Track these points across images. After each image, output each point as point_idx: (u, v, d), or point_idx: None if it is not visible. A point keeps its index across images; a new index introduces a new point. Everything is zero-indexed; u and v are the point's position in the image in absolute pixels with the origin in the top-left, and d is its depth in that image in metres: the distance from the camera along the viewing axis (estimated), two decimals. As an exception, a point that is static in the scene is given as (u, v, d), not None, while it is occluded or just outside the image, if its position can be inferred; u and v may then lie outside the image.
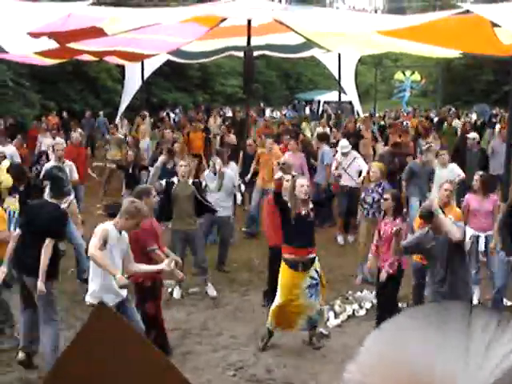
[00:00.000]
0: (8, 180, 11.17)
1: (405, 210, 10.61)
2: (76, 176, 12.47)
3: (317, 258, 8.01)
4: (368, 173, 11.48)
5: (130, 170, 14.10)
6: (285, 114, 39.55)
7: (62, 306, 9.61)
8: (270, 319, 8.12)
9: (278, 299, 8.02)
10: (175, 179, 10.26)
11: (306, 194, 7.86)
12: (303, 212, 7.87)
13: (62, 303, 9.67)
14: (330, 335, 8.57)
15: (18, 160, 14.94)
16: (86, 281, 8.61)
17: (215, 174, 11.21)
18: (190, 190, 10.01)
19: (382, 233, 8.47)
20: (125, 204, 6.88)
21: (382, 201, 8.90)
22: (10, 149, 15.09)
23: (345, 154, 13.22)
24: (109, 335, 1.30)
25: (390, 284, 8.29)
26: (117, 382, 1.31)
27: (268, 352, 8.09)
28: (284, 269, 7.97)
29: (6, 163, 12.32)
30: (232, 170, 12.14)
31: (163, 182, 10.32)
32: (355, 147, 15.15)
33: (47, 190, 8.73)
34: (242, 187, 14.10)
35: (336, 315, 9.23)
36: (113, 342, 1.30)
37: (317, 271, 7.97)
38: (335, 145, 15.20)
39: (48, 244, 7.24)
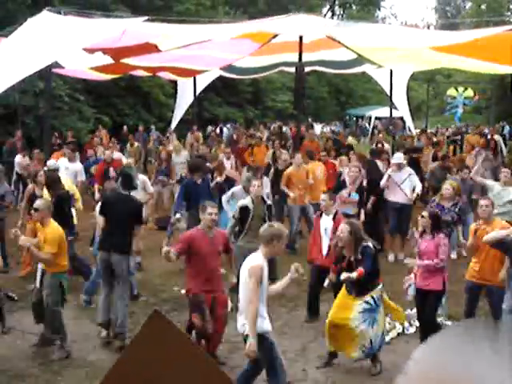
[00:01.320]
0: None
1: None
2: (151, 189, 12.84)
3: (379, 287, 7.90)
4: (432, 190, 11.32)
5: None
6: (333, 131, 39.43)
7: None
8: (326, 336, 8.07)
9: (329, 314, 8.01)
10: (249, 201, 10.32)
11: (340, 240, 7.88)
12: (352, 257, 7.82)
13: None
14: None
15: (82, 178, 15.27)
16: None
17: (245, 189, 11.19)
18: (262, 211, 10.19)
19: (421, 250, 8.43)
20: (268, 230, 6.69)
21: (419, 218, 8.83)
22: (78, 166, 15.37)
23: (398, 168, 13.09)
24: (163, 341, 1.34)
25: (432, 299, 8.23)
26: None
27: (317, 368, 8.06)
28: (343, 288, 7.97)
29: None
30: (264, 185, 12.15)
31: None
32: (413, 163, 15.07)
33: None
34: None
35: (385, 333, 9.14)
36: (166, 348, 1.34)
37: (373, 298, 7.85)
38: (388, 160, 15.12)
39: (140, 229, 8.74)
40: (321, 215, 9.85)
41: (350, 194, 12.58)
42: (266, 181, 13.14)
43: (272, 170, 15.09)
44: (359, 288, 7.80)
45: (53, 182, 11.34)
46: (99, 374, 7.64)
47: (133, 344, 1.21)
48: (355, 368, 8.10)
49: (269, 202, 10.62)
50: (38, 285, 8.74)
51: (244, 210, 10.31)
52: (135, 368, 1.23)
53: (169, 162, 16.74)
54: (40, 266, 8.76)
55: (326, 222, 9.63)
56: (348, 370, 8.06)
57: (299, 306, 10.41)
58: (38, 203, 8.62)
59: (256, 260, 6.50)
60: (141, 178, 12.89)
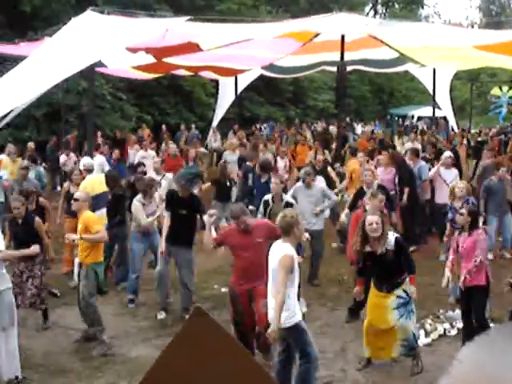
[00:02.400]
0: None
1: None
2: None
3: (407, 279, 7.79)
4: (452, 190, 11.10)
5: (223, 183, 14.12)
6: (372, 130, 39.19)
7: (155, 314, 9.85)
8: (364, 341, 8.00)
9: (366, 320, 7.95)
10: (270, 197, 10.39)
11: (374, 231, 7.55)
12: (379, 251, 7.66)
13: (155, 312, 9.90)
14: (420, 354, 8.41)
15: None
16: None
17: (306, 187, 11.19)
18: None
19: (460, 248, 8.31)
20: (284, 221, 6.73)
21: (457, 216, 8.71)
22: (99, 159, 15.45)
23: (447, 166, 12.95)
24: (205, 338, 1.33)
25: (478, 296, 8.11)
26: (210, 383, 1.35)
27: (356, 367, 8.01)
28: (372, 287, 7.89)
29: (89, 177, 12.55)
30: (320, 183, 12.11)
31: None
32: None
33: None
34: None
35: (427, 334, 9.04)
36: (208, 346, 1.34)
37: (405, 291, 7.76)
38: (429, 160, 14.94)
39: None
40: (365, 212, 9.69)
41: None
42: (321, 178, 13.05)
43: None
44: (390, 284, 7.70)
45: (111, 180, 11.47)
46: (139, 370, 7.70)
47: (174, 341, 1.21)
48: (396, 368, 8.03)
49: (290, 200, 10.52)
50: (77, 279, 8.85)
51: (265, 204, 10.44)
52: (177, 365, 1.23)
53: (195, 161, 16.68)
54: (77, 259, 8.87)
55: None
56: (388, 370, 7.99)
57: (339, 305, 10.36)
58: (78, 194, 8.76)
59: (286, 250, 6.57)
60: (167, 176, 13.06)
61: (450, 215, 10.66)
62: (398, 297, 7.68)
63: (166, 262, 9.86)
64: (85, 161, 13.16)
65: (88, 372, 7.98)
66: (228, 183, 13.83)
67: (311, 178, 11.17)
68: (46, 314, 9.42)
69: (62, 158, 18.46)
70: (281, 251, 6.57)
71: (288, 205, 10.03)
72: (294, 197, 10.89)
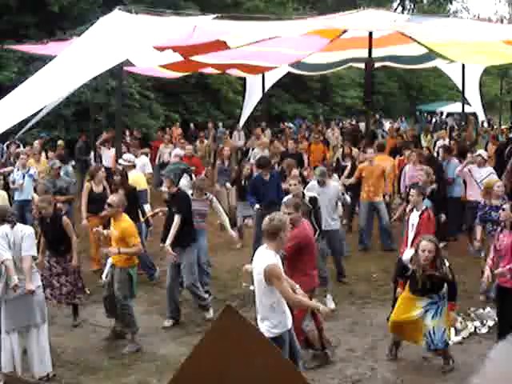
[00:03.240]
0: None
1: None
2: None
3: (444, 288, 7.70)
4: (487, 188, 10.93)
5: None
6: (398, 128, 38.83)
7: (183, 312, 9.89)
8: (391, 331, 7.99)
9: (393, 314, 7.89)
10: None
11: (426, 260, 7.47)
12: (428, 273, 7.58)
13: (183, 310, 9.95)
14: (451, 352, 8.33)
15: (149, 170, 15.47)
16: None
17: (321, 186, 11.14)
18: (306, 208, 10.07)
19: (498, 245, 8.18)
20: (270, 224, 6.27)
21: (500, 211, 8.61)
22: (144, 159, 15.57)
23: (479, 164, 12.81)
24: (235, 336, 1.32)
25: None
26: (241, 381, 1.34)
27: (385, 366, 7.97)
28: (406, 289, 7.84)
29: (135, 173, 12.73)
30: (335, 181, 12.07)
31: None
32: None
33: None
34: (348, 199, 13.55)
35: (457, 332, 8.96)
36: (239, 344, 1.33)
37: (438, 295, 7.66)
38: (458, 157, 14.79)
39: None
40: (412, 210, 9.62)
41: None
42: (336, 177, 13.03)
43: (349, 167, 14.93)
44: (426, 292, 7.64)
45: (125, 177, 11.55)
46: (168, 367, 7.75)
47: (205, 339, 1.21)
48: (425, 367, 7.97)
49: (312, 195, 10.46)
50: (107, 279, 8.89)
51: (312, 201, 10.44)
52: (207, 363, 1.23)
53: (230, 159, 16.55)
54: (109, 260, 8.91)
55: (413, 217, 9.42)
56: (417, 369, 7.94)
57: (369, 303, 10.32)
58: (112, 199, 8.77)
59: (269, 259, 6.11)
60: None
61: (480, 213, 10.52)
62: (430, 297, 7.62)
63: (175, 273, 9.71)
64: (128, 157, 13.29)
65: (117, 369, 8.02)
66: (246, 183, 13.59)
67: (325, 178, 11.11)
68: (77, 311, 9.50)
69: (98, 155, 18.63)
70: (264, 261, 6.12)
71: (312, 200, 10.05)
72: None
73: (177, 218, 9.49)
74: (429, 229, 9.02)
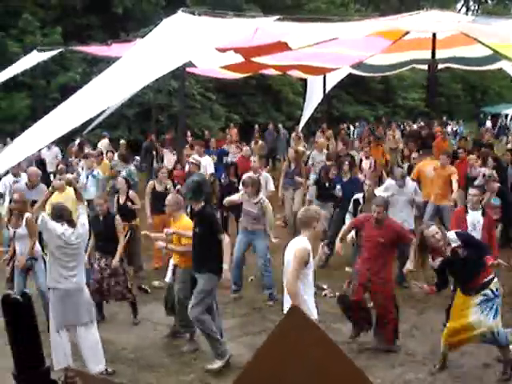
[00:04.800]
0: None
1: None
2: (272, 187, 12.87)
3: (495, 279, 7.53)
4: None
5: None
6: (456, 130, 38.14)
7: (242, 312, 9.92)
8: (442, 341, 7.81)
9: (450, 321, 7.74)
10: (360, 196, 10.45)
11: (438, 242, 7.39)
12: (447, 253, 7.44)
13: (242, 310, 9.98)
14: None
15: (211, 170, 15.59)
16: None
17: (400, 186, 11.07)
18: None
19: None
20: (305, 214, 6.73)
21: None
22: (206, 160, 15.70)
23: None
24: (301, 338, 1.32)
25: None
26: None
27: (446, 372, 7.83)
28: (458, 292, 7.68)
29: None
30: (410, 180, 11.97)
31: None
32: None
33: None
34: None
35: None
36: (304, 345, 1.32)
37: (491, 290, 7.46)
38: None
39: None
40: (466, 211, 9.46)
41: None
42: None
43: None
44: (476, 286, 7.45)
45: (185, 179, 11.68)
46: (227, 367, 7.79)
47: (270, 339, 1.21)
48: (486, 374, 7.81)
49: (382, 193, 10.43)
50: (170, 279, 8.95)
51: (356, 203, 10.68)
52: (272, 364, 1.23)
53: (298, 161, 16.32)
54: (172, 260, 8.97)
55: (474, 218, 9.25)
56: (478, 375, 7.77)
57: (429, 307, 10.17)
58: (167, 198, 8.84)
59: (302, 243, 6.52)
60: (264, 175, 13.02)
61: None
62: (484, 295, 7.42)
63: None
64: (195, 157, 13.71)
65: (176, 367, 8.09)
66: (328, 184, 13.43)
67: (405, 179, 11.19)
68: (136, 310, 9.60)
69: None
70: (297, 244, 6.54)
71: (355, 202, 10.13)
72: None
73: (226, 239, 8.19)
74: (492, 227, 9.04)
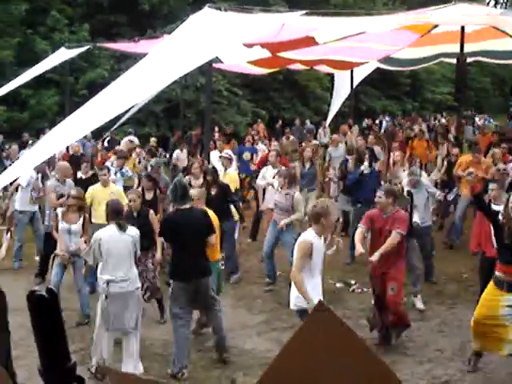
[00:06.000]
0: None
1: None
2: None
3: None
4: None
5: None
6: (478, 126, 37.66)
7: (269, 307, 9.92)
8: (473, 337, 7.74)
9: (475, 314, 7.64)
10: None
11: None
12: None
13: (269, 305, 9.98)
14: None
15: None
16: None
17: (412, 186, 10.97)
18: (406, 202, 10.10)
19: None
20: (314, 210, 7.07)
21: None
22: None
23: None
24: (327, 334, 1.31)
25: None
26: (333, 381, 1.32)
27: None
28: (490, 284, 7.60)
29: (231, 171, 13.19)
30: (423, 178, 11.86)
31: None
32: None
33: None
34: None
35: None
36: (331, 342, 1.31)
37: None
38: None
39: None
40: (489, 204, 9.34)
41: None
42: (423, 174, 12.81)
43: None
44: None
45: (214, 174, 11.70)
46: (255, 363, 7.80)
47: (296, 336, 1.20)
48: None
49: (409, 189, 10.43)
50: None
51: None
52: (298, 361, 1.22)
53: (313, 161, 15.94)
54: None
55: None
56: (510, 373, 7.70)
57: (458, 303, 10.11)
58: (192, 192, 8.86)
59: (306, 236, 6.93)
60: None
61: None
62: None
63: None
64: (227, 151, 14.01)
65: (204, 363, 8.11)
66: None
67: (417, 178, 10.87)
68: (163, 308, 9.60)
69: (176, 153, 18.86)
70: (301, 237, 6.99)
71: (408, 194, 10.07)
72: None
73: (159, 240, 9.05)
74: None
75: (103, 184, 11.00)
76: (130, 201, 9.67)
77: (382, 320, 8.42)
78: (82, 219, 9.38)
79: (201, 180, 12.10)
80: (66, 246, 9.30)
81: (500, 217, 7.56)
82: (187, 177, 12.58)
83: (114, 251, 7.52)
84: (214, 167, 12.37)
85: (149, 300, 9.46)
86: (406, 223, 8.48)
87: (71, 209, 9.42)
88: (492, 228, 7.74)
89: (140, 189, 11.51)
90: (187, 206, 7.90)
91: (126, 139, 18.26)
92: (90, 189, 10.97)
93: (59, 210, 9.62)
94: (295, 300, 7.02)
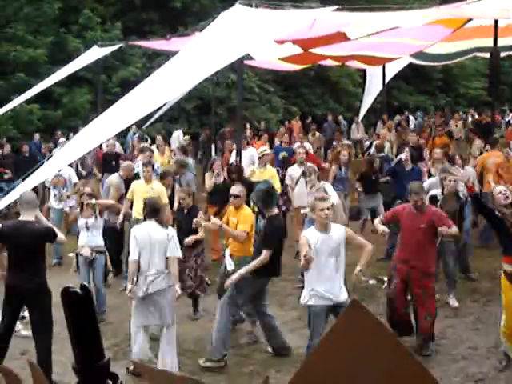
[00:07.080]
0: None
1: None
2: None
3: None
4: None
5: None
6: (508, 121, 37.10)
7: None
8: (503, 341, 7.62)
9: (502, 318, 7.52)
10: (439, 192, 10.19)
11: (506, 199, 7.24)
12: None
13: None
14: None
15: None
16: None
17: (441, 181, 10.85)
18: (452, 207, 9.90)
19: None
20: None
21: None
22: (250, 151, 15.71)
23: None
24: (361, 332, 1.29)
25: None
26: (367, 379, 1.31)
27: (510, 366, 7.67)
28: (503, 283, 7.46)
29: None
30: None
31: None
32: None
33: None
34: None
35: None
36: (365, 340, 1.30)
37: None
38: None
39: None
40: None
41: None
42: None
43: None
44: None
45: (238, 172, 11.70)
46: (287, 359, 7.80)
47: (330, 333, 1.19)
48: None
49: (463, 198, 10.19)
50: (231, 266, 8.94)
51: (433, 199, 10.11)
52: (332, 359, 1.21)
53: (349, 166, 15.53)
54: (227, 251, 8.98)
55: None
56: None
57: (493, 300, 9.98)
58: (236, 190, 8.81)
59: (305, 232, 7.53)
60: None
61: None
62: None
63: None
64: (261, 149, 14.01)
65: (236, 359, 8.12)
66: (374, 176, 13.24)
67: (446, 175, 10.69)
68: (197, 305, 9.63)
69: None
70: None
71: (431, 199, 9.84)
72: (429, 190, 10.53)
73: (265, 253, 7.97)
74: None
75: (146, 180, 11.12)
76: (179, 198, 9.86)
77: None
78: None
79: (221, 178, 12.13)
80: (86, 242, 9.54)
81: None
82: (207, 173, 12.63)
83: (148, 248, 7.56)
84: (237, 164, 12.35)
85: (190, 296, 9.56)
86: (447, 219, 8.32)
87: (88, 206, 9.74)
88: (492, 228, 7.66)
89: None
90: (275, 211, 8.31)
91: (176, 133, 18.41)
92: (133, 184, 11.12)
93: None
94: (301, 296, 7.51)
